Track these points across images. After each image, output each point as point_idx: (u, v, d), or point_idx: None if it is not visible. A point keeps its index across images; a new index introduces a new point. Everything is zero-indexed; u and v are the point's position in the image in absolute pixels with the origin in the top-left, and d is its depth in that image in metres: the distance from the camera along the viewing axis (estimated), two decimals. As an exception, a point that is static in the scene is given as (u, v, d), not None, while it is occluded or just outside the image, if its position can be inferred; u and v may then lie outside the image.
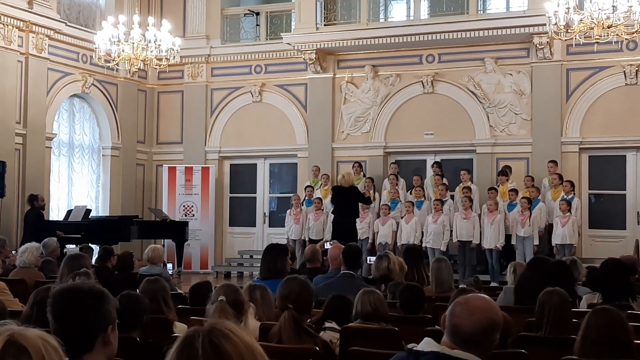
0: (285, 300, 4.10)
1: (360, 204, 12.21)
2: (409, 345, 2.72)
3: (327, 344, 3.98)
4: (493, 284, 11.00)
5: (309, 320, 4.20)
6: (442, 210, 12.57)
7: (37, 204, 12.98)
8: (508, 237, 12.34)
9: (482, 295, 2.85)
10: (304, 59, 14.98)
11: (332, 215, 12.54)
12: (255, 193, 16.14)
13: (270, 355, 1.76)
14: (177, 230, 14.20)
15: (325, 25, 15.10)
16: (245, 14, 16.70)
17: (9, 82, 13.27)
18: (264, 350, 1.73)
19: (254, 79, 15.84)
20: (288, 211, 14.20)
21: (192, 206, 15.65)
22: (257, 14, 16.44)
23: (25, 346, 1.51)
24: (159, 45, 11.56)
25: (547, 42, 13.22)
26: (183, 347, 1.65)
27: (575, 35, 9.61)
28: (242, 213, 16.22)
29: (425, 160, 14.69)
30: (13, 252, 9.12)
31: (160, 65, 11.89)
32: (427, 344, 2.64)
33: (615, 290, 5.50)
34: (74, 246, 12.70)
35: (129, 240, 13.44)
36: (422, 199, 13.22)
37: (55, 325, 2.41)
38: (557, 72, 13.64)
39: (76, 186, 15.24)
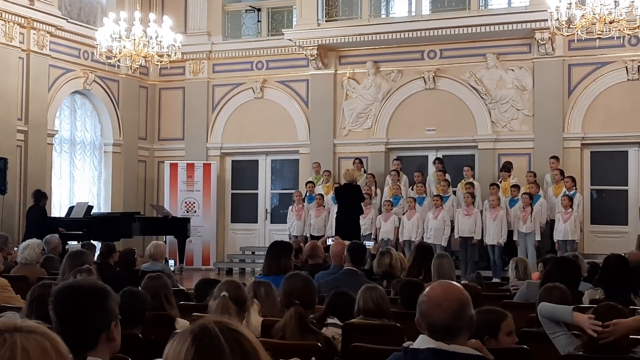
0: (289, 296, 4.09)
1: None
2: (405, 344, 2.72)
3: (329, 341, 3.97)
4: (495, 280, 11.00)
5: (311, 317, 4.20)
6: (442, 206, 12.57)
7: (42, 203, 12.94)
8: (510, 233, 12.34)
9: (437, 282, 2.85)
10: (305, 55, 14.96)
11: (335, 212, 12.55)
12: (257, 189, 16.14)
13: (273, 352, 1.75)
14: (179, 227, 14.20)
15: (326, 21, 15.08)
16: (246, 10, 16.69)
17: (10, 79, 13.26)
18: (265, 347, 1.72)
19: (256, 75, 15.83)
20: (290, 207, 14.21)
21: (194, 203, 15.65)
22: (259, 10, 16.42)
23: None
24: (160, 41, 11.56)
25: (549, 37, 13.20)
26: (200, 341, 1.57)
27: (577, 31, 9.59)
28: (243, 209, 16.22)
29: (427, 157, 14.68)
30: (15, 248, 9.12)
31: (161, 62, 11.88)
32: (422, 341, 2.64)
33: (617, 286, 5.49)
34: (75, 243, 12.71)
35: (130, 236, 13.45)
36: (424, 195, 13.21)
37: (58, 323, 2.41)
38: (559, 68, 13.61)
39: (78, 183, 15.25)
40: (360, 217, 12.47)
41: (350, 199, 11.66)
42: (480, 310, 3.92)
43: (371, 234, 13.07)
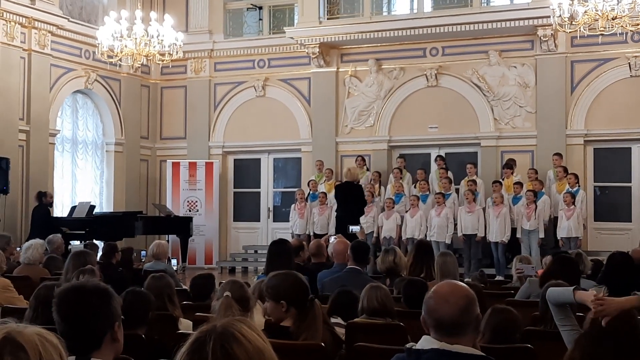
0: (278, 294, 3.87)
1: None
2: (408, 345, 2.71)
3: (336, 334, 3.94)
4: (498, 278, 10.98)
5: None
6: (444, 203, 12.55)
7: (45, 201, 13.04)
8: (513, 231, 12.31)
9: (444, 281, 2.86)
10: (307, 53, 14.94)
11: (335, 210, 12.55)
12: (259, 188, 16.13)
13: (277, 352, 1.74)
14: (182, 226, 14.19)
15: (328, 19, 15.05)
16: (248, 8, 16.67)
17: (12, 79, 13.26)
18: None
19: (257, 73, 15.81)
20: (292, 206, 14.19)
21: (196, 201, 15.65)
22: (260, 8, 16.40)
23: (21, 343, 1.52)
24: (162, 40, 11.53)
25: (552, 34, 13.16)
26: (194, 351, 1.63)
27: (579, 27, 9.56)
28: (246, 208, 16.21)
29: (429, 154, 14.66)
30: (17, 248, 9.12)
31: (163, 61, 11.86)
32: (426, 342, 2.62)
33: (621, 284, 5.46)
34: (78, 242, 12.72)
35: (133, 236, 13.45)
36: (427, 192, 13.19)
37: (63, 324, 2.41)
38: (562, 65, 13.58)
39: (80, 182, 15.24)
40: (362, 215, 12.47)
41: (352, 197, 11.62)
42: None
43: (373, 232, 13.04)
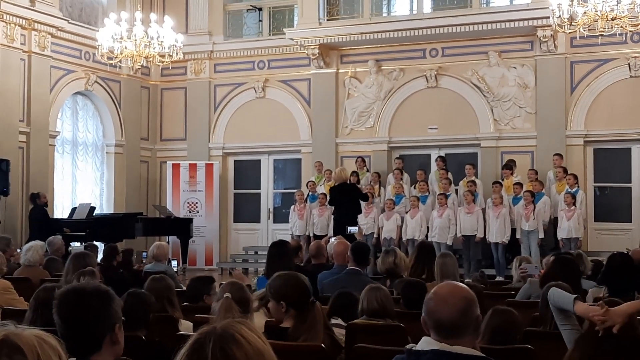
0: (280, 295, 3.89)
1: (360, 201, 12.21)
2: (408, 346, 2.71)
3: (335, 339, 3.95)
4: (499, 278, 10.98)
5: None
6: (446, 204, 12.55)
7: (39, 202, 13.02)
8: (513, 231, 12.31)
9: (444, 282, 2.86)
10: (307, 54, 14.95)
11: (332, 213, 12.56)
12: (260, 189, 16.13)
13: (276, 353, 1.75)
14: (182, 227, 14.20)
15: (328, 20, 15.07)
16: (247, 10, 16.68)
17: (12, 81, 13.27)
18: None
19: (257, 74, 15.82)
20: (292, 207, 14.19)
21: (197, 203, 15.65)
22: (260, 9, 16.41)
23: (19, 345, 1.52)
24: (162, 41, 11.54)
25: (551, 35, 13.17)
26: (193, 352, 1.64)
27: (579, 28, 9.56)
28: (246, 209, 16.22)
29: (429, 155, 14.66)
30: (18, 250, 9.12)
31: (163, 62, 11.87)
32: (426, 343, 2.63)
33: (621, 284, 5.47)
34: (78, 244, 12.72)
35: (133, 237, 13.45)
36: (427, 193, 13.19)
37: (63, 326, 2.41)
38: (562, 65, 13.59)
39: (80, 184, 15.25)
40: (363, 216, 12.48)
41: (348, 197, 11.60)
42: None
43: (373, 233, 13.04)
